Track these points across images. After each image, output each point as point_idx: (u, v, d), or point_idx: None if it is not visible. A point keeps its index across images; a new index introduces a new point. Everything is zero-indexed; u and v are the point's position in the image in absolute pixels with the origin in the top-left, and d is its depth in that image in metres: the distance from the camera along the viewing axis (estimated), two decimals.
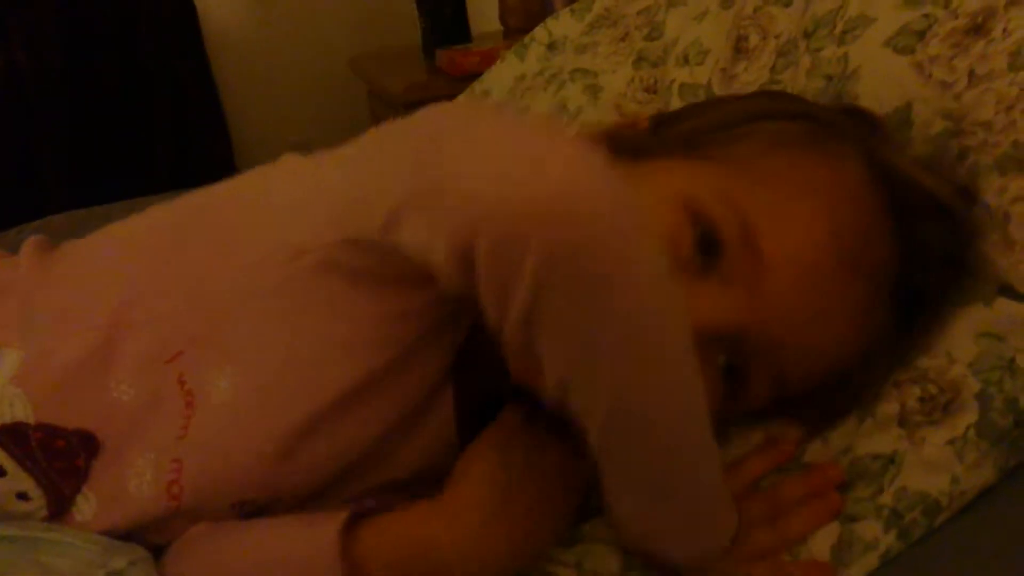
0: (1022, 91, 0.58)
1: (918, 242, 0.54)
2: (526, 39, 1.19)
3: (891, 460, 0.52)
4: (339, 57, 2.52)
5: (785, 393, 0.55)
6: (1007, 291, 0.54)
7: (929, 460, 0.51)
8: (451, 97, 1.37)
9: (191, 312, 0.57)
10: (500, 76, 1.18)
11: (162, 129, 2.37)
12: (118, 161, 2.29)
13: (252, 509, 0.56)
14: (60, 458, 0.56)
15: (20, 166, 2.25)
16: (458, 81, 1.79)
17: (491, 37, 2.09)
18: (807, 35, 0.75)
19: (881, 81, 0.66)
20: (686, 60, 0.90)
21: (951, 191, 0.56)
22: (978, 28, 0.62)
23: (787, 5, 0.81)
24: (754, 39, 0.82)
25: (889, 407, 0.54)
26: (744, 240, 0.51)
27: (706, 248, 0.51)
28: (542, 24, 1.20)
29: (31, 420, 0.55)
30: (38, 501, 0.56)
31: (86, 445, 0.56)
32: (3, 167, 2.23)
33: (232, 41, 2.57)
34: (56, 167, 2.26)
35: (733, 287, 0.51)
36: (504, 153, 0.41)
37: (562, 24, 1.17)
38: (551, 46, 1.15)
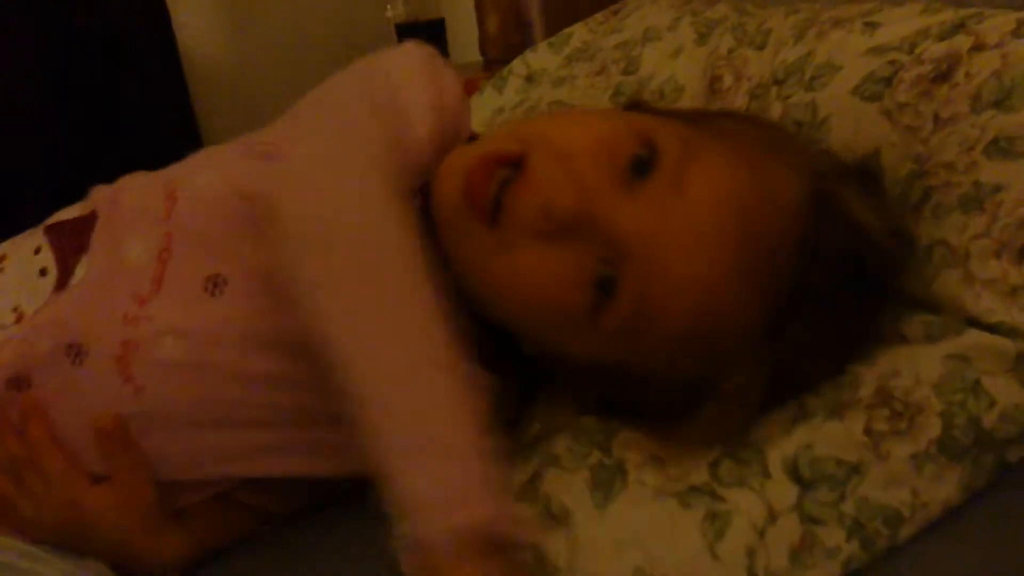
0: (983, 132, 0.60)
1: (824, 251, 0.56)
2: (504, 71, 1.20)
3: (855, 469, 0.53)
4: (318, 84, 2.53)
5: (642, 325, 0.55)
6: (974, 323, 0.55)
7: (891, 474, 0.52)
8: None
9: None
10: (478, 108, 1.19)
11: (140, 157, 2.36)
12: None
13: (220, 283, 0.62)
14: (78, 237, 0.65)
15: None
16: None
17: (471, 67, 2.10)
18: (778, 82, 0.76)
19: (851, 129, 0.68)
20: (662, 95, 0.92)
21: (883, 226, 0.58)
22: (944, 75, 0.64)
23: (760, 48, 0.83)
24: (728, 80, 0.84)
25: (858, 415, 0.54)
26: (676, 171, 0.55)
27: (639, 169, 0.56)
28: (520, 57, 1.21)
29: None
30: (52, 276, 0.64)
31: (91, 222, 0.66)
32: None
33: (211, 69, 2.58)
34: (32, 194, 2.25)
35: (646, 200, 0.55)
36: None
37: (540, 57, 1.18)
38: (529, 78, 1.16)
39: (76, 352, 0.61)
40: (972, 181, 0.58)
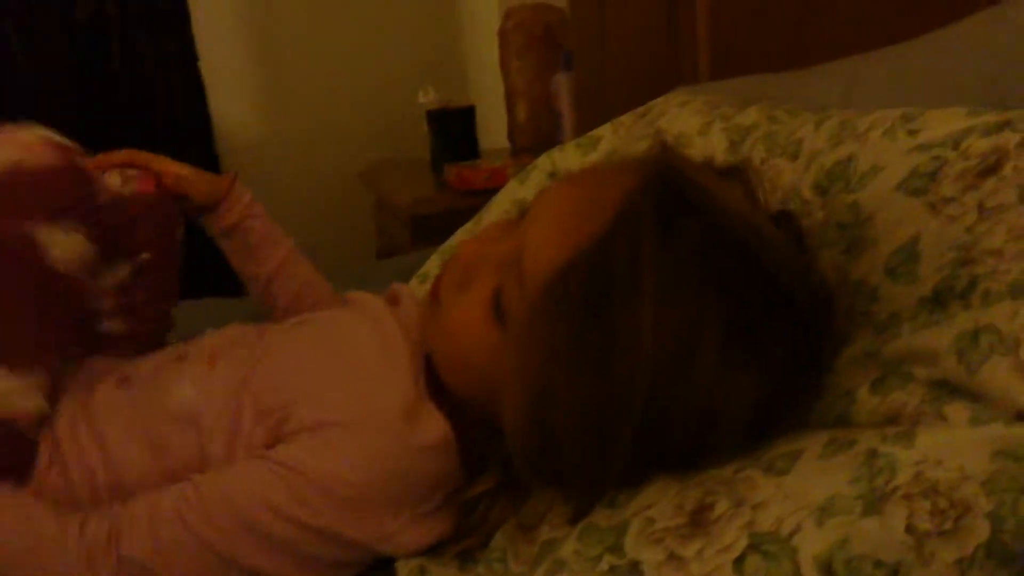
0: None
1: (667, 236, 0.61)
2: (530, 166, 1.22)
3: (895, 572, 0.49)
4: (349, 166, 2.56)
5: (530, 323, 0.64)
6: (1023, 417, 0.52)
7: None
8: (458, 212, 1.38)
9: None
10: (501, 198, 1.22)
11: None
12: None
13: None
14: None
15: None
16: (465, 196, 1.81)
17: (499, 154, 2.12)
18: (822, 190, 0.76)
19: (894, 223, 0.67)
20: None
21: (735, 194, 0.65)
22: (990, 169, 0.63)
23: (793, 158, 0.83)
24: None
25: (898, 510, 0.50)
26: (531, 206, 0.72)
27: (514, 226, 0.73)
28: (547, 153, 1.23)
29: None
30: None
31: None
32: None
33: (243, 145, 2.61)
34: None
35: (514, 234, 0.71)
36: None
37: (566, 156, 1.20)
38: (552, 175, 1.18)
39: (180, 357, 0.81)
40: (1022, 268, 0.56)
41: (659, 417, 0.59)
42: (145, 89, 2.45)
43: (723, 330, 0.59)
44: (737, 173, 0.69)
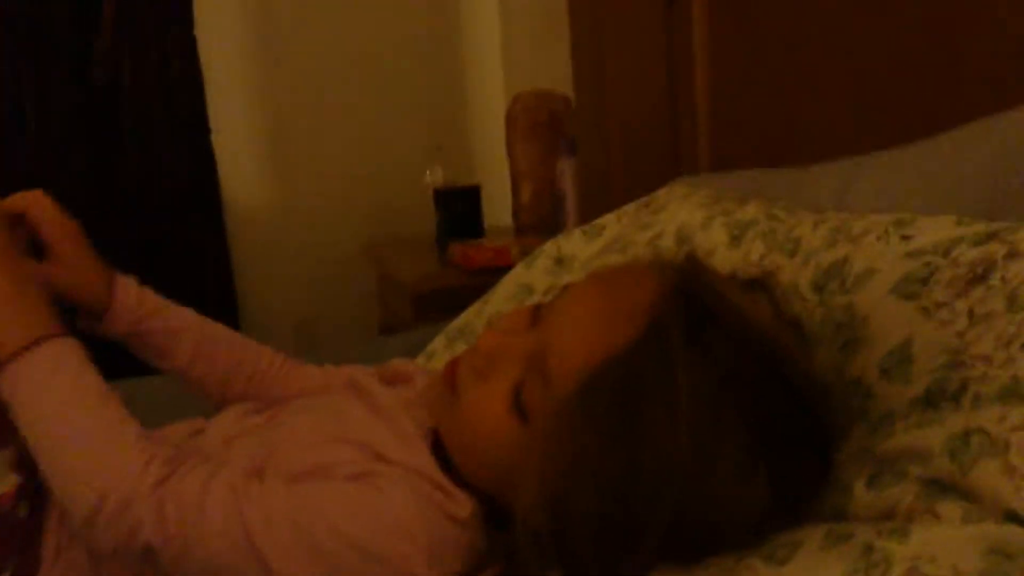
0: (1020, 329, 0.61)
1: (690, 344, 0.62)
2: (536, 251, 1.25)
3: None
4: (354, 240, 2.59)
5: (552, 392, 0.66)
6: (1012, 517, 0.54)
7: None
8: (461, 290, 1.41)
9: None
10: (507, 281, 1.24)
11: (172, 295, 2.40)
12: None
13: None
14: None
15: None
16: (469, 274, 1.84)
17: (503, 233, 2.15)
18: (819, 288, 0.79)
19: (888, 325, 0.70)
20: None
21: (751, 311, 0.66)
22: (979, 277, 0.66)
23: (791, 255, 0.86)
24: None
25: None
26: (551, 304, 0.74)
27: (535, 319, 0.74)
28: (553, 240, 1.26)
29: None
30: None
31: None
32: None
33: (251, 216, 2.65)
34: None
35: (535, 330, 0.72)
36: None
37: (572, 243, 1.23)
38: (559, 261, 1.21)
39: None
40: (1011, 375, 0.59)
41: (676, 521, 0.60)
42: (154, 159, 2.49)
43: (746, 443, 0.61)
44: (761, 284, 0.71)
